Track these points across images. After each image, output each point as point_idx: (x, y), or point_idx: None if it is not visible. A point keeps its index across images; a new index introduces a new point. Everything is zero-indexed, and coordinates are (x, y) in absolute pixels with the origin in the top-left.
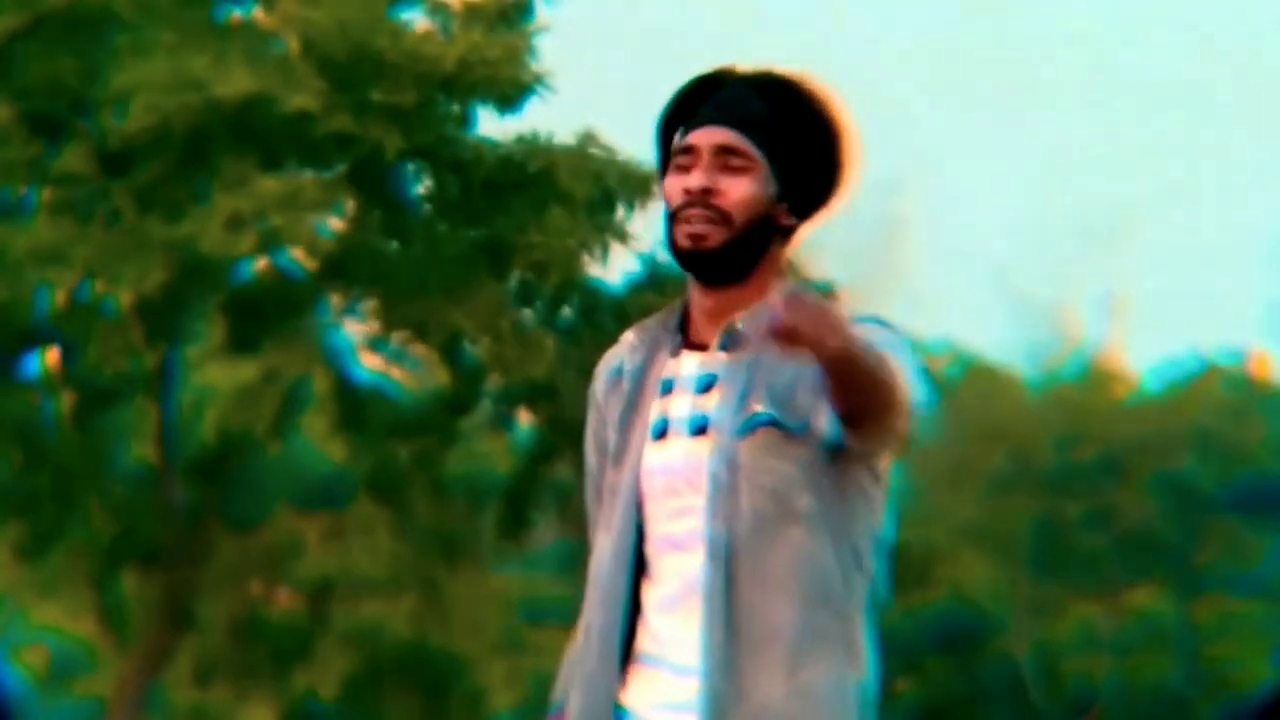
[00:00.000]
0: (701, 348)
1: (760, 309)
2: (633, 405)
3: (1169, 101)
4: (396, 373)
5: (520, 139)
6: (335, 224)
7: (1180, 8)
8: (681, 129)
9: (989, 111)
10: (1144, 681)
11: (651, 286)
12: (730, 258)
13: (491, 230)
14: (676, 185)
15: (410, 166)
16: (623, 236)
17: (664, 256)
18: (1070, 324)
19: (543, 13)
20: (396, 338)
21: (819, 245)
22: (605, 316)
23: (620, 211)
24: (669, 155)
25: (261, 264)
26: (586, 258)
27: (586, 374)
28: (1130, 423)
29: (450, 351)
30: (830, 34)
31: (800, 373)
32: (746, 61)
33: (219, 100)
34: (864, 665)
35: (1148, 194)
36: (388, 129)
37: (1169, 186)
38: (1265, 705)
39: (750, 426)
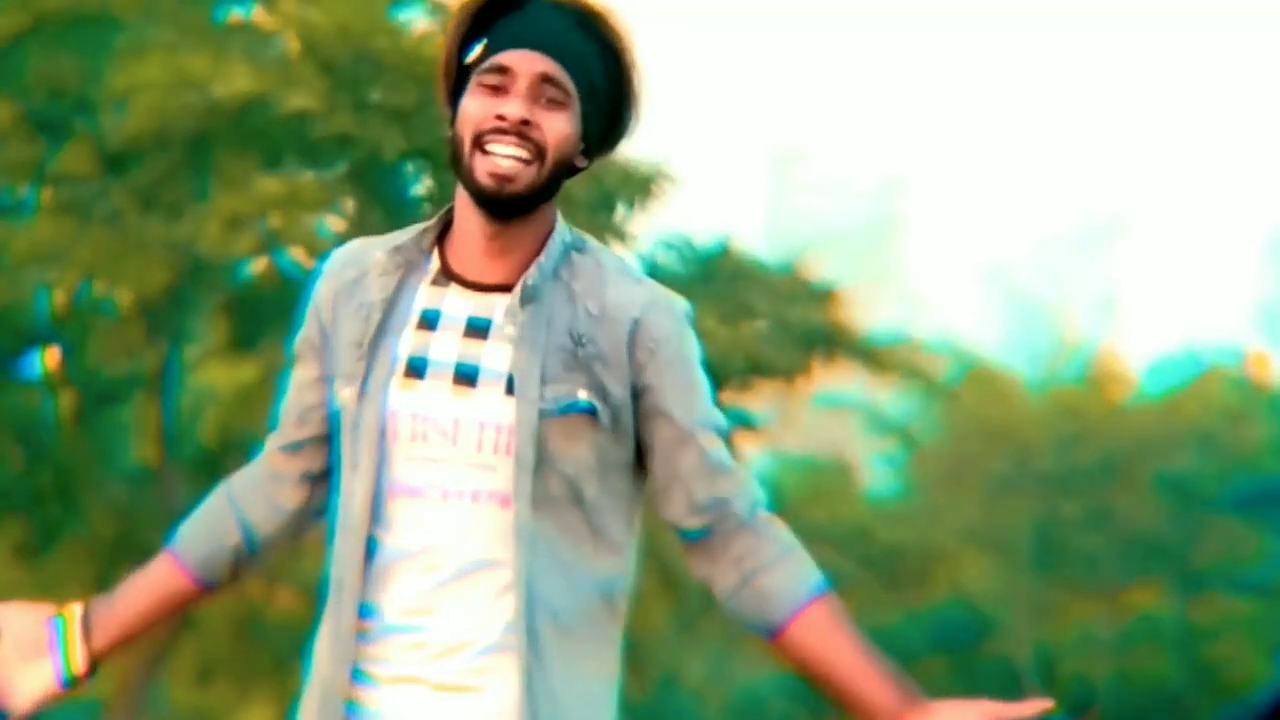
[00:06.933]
0: (469, 284)
1: (549, 261)
2: (381, 333)
3: (1169, 101)
4: None
5: None
6: (335, 224)
7: (1181, 9)
8: (485, 42)
9: (989, 112)
10: (1144, 681)
11: None
12: (532, 201)
13: None
14: (485, 108)
15: (410, 166)
16: (623, 236)
17: (664, 257)
18: (1069, 324)
19: None
20: None
21: (820, 245)
22: None
23: (620, 211)
24: (463, 71)
25: (261, 264)
26: None
27: None
28: (1129, 423)
29: None
30: (831, 34)
31: (600, 351)
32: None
33: (219, 100)
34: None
35: (1147, 194)
36: (387, 129)
37: (1168, 186)
38: (1265, 705)
39: (567, 410)
